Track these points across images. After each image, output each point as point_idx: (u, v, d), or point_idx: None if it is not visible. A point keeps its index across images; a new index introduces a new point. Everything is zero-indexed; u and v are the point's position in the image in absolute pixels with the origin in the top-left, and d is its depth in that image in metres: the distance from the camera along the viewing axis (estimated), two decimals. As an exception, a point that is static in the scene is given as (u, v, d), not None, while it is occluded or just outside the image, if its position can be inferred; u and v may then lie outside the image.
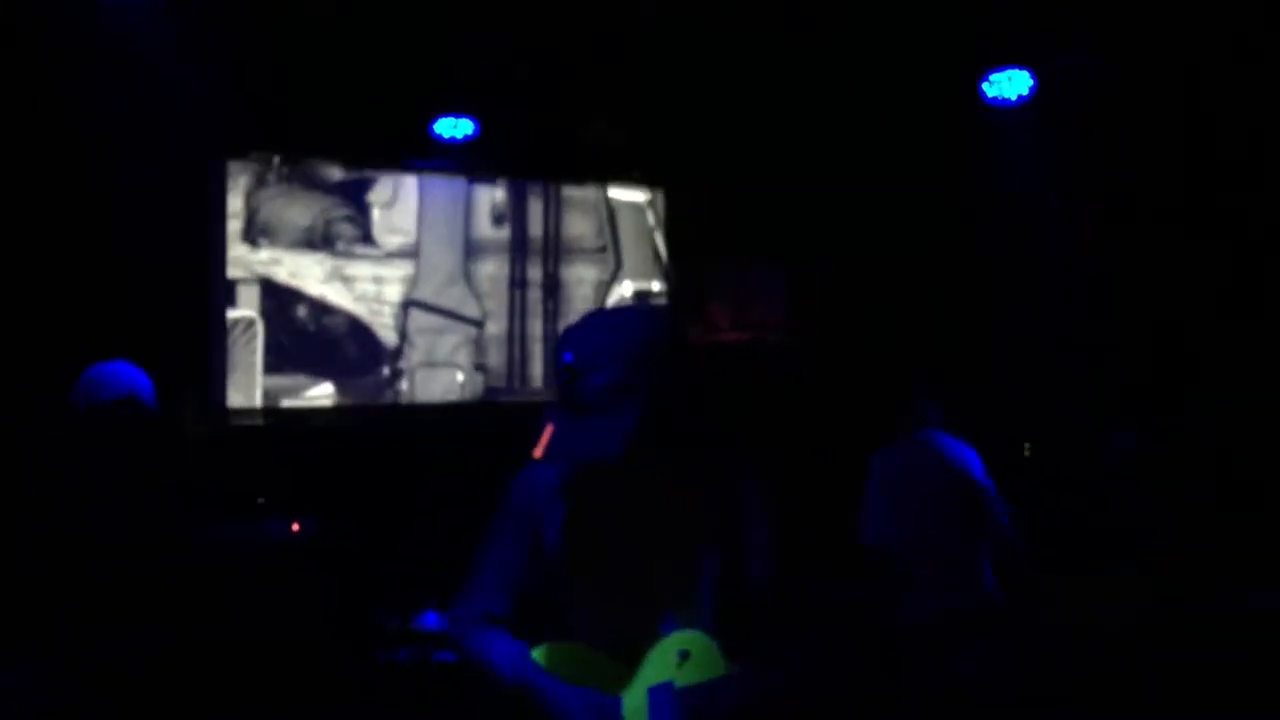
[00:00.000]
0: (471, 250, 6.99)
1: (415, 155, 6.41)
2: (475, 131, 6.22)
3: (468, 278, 6.98)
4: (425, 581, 5.03)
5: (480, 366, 7.03)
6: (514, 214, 7.10)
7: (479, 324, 7.02)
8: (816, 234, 6.53)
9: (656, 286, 7.51)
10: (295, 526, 4.81)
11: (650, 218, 7.50)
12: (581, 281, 7.31)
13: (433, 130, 6.21)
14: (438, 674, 4.73)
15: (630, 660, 2.42)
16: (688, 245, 7.14)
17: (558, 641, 2.44)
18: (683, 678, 2.38)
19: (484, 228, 7.04)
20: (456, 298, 6.95)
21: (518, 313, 7.12)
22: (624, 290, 7.45)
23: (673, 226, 7.22)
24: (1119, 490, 4.60)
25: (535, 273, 7.18)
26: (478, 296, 7.02)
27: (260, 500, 5.00)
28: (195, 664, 3.49)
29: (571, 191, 7.24)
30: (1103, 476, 4.81)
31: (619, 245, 7.42)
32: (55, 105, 4.93)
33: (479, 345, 7.03)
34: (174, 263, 5.38)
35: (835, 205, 6.45)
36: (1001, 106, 6.07)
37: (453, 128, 6.22)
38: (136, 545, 3.39)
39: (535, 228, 7.16)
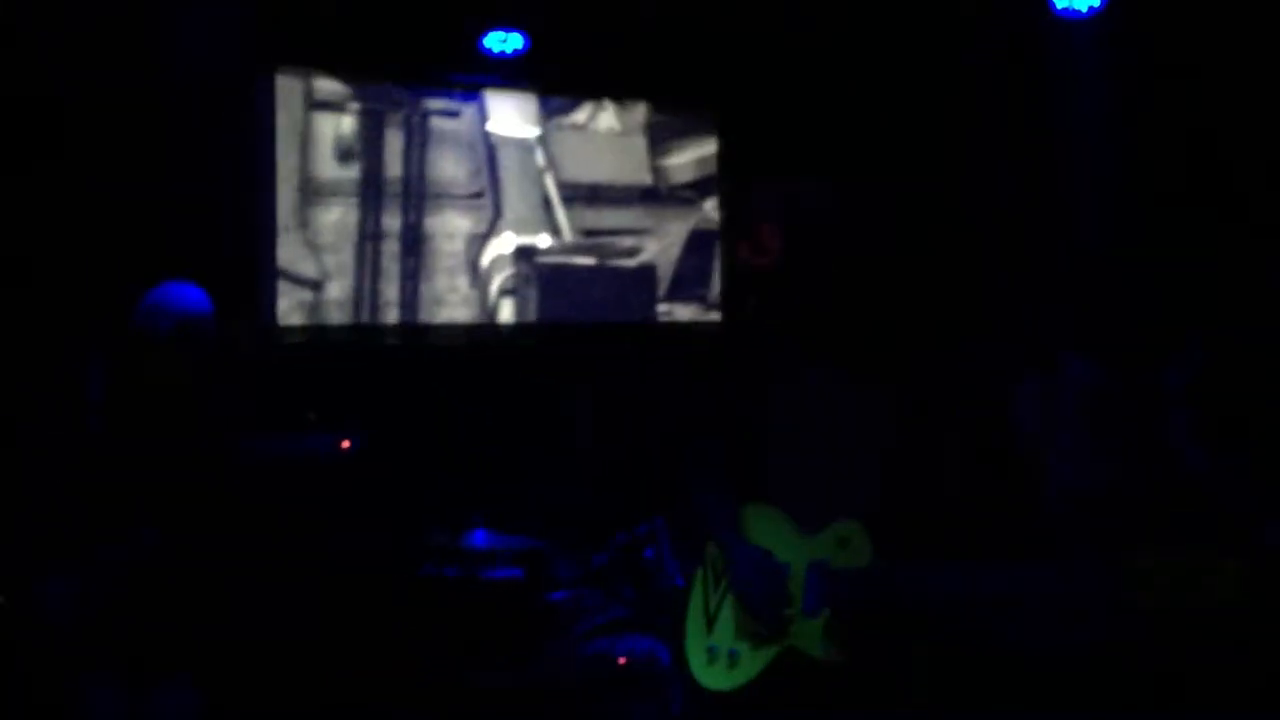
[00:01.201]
0: (309, 192, 5.68)
1: (461, 70, 6.01)
2: (525, 46, 5.88)
3: (303, 226, 5.68)
4: (475, 500, 5.08)
5: (317, 337, 5.81)
6: (367, 148, 5.79)
7: (316, 285, 5.71)
8: (870, 152, 6.20)
9: (545, 241, 6.16)
10: (345, 444, 4.83)
11: (540, 158, 6.14)
12: (451, 234, 6.02)
13: (481, 44, 5.86)
14: (484, 591, 4.81)
15: (808, 534, 3.02)
16: (740, 166, 6.65)
17: (760, 504, 3.14)
18: (838, 560, 2.94)
19: (326, 165, 5.70)
20: (287, 252, 5.63)
21: (368, 272, 5.82)
22: (504, 245, 6.09)
23: (726, 147, 6.66)
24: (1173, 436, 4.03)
25: (392, 222, 5.86)
26: (315, 251, 5.69)
27: (311, 416, 4.98)
28: (240, 577, 3.73)
29: (442, 123, 5.97)
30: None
31: (499, 190, 6.13)
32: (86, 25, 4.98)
33: (315, 311, 5.71)
34: (222, 182, 5.35)
35: (891, 122, 6.19)
36: (1071, 19, 5.75)
37: (502, 42, 5.87)
38: (188, 463, 3.63)
39: (394, 166, 5.86)
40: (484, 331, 6.11)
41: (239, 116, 5.46)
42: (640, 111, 6.46)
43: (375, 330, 5.86)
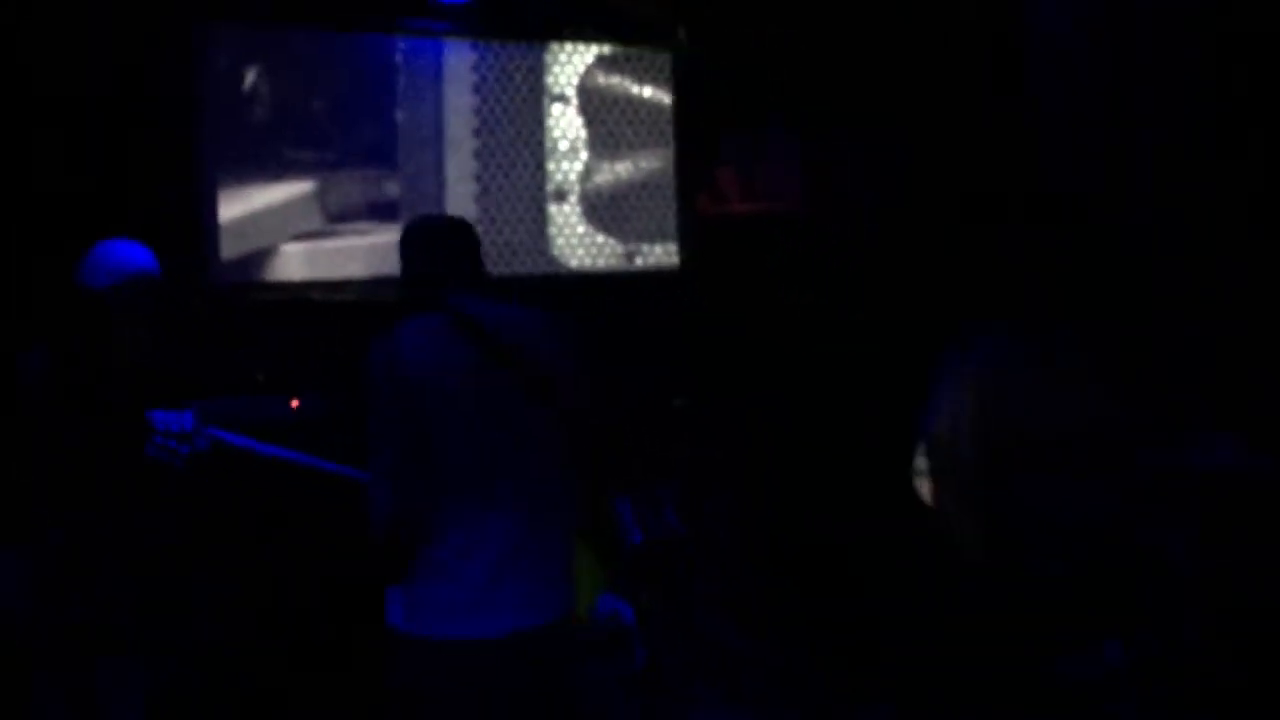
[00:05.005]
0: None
1: (410, 16, 5.89)
2: None
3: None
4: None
5: None
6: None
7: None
8: (836, 103, 6.07)
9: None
10: (295, 403, 4.81)
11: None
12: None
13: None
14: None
15: None
16: (696, 110, 6.40)
17: None
18: None
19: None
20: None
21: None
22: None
23: (681, 89, 6.42)
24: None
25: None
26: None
27: (259, 377, 5.00)
28: (190, 544, 3.66)
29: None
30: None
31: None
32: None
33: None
34: (159, 131, 5.18)
35: (859, 73, 5.94)
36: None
37: (450, -12, 5.75)
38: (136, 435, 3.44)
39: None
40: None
41: (177, 68, 5.28)
42: None
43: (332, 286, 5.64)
